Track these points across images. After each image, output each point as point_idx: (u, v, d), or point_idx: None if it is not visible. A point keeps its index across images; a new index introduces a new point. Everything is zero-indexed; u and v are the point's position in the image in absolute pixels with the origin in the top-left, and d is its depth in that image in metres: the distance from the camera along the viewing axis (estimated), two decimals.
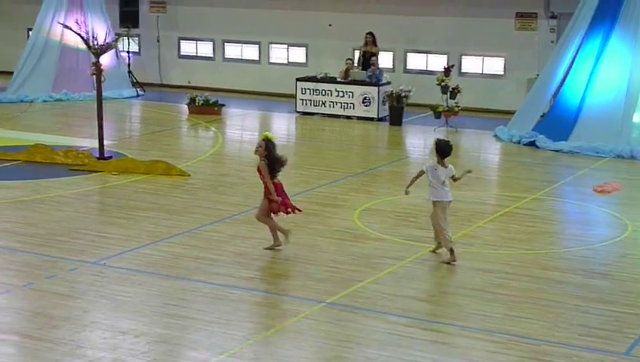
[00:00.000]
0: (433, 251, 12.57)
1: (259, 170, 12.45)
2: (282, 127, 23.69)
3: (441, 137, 13.23)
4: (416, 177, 12.58)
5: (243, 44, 27.80)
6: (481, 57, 24.99)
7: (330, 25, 26.43)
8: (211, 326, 9.91)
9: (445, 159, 12.43)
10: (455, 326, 10.02)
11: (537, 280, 11.59)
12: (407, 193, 12.69)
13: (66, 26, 19.62)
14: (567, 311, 10.56)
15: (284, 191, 12.58)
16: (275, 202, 12.35)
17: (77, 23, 19.20)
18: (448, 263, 12.09)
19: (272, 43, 27.40)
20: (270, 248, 12.54)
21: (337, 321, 10.14)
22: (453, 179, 12.55)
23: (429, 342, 9.59)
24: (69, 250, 12.40)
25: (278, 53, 27.40)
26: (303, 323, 10.04)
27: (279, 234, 12.55)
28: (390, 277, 11.59)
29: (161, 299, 10.74)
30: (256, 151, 12.47)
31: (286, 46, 27.25)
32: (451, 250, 12.17)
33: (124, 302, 10.57)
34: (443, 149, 12.42)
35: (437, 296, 10.97)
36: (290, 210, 12.55)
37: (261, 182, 12.45)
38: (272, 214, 12.56)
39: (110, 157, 17.83)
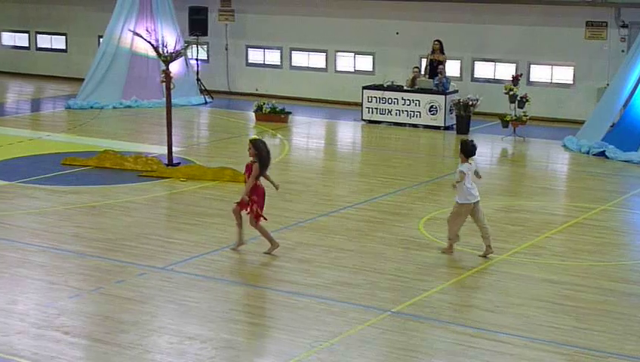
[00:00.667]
0: (484, 256, 12.65)
1: (248, 169, 12.62)
2: (348, 135, 23.71)
3: (467, 138, 13.37)
4: (459, 181, 12.64)
5: (310, 52, 27.90)
6: (550, 66, 24.71)
7: (397, 33, 26.39)
8: (277, 333, 9.96)
9: (470, 159, 12.73)
10: (522, 338, 9.91)
11: (606, 292, 11.42)
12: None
13: (137, 34, 19.88)
14: (636, 323, 10.38)
15: (264, 197, 12.74)
16: (245, 201, 12.55)
17: (147, 30, 19.45)
18: (444, 253, 12.72)
19: (338, 51, 27.44)
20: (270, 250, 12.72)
21: (403, 330, 10.11)
22: (477, 174, 12.81)
23: (496, 353, 9.50)
24: (138, 255, 12.57)
25: (345, 62, 27.44)
26: (368, 332, 10.03)
27: (240, 238, 12.84)
28: (457, 287, 11.52)
29: (228, 304, 10.83)
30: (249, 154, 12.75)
31: (353, 54, 27.27)
32: (452, 246, 12.74)
33: (192, 308, 10.67)
34: (470, 150, 12.68)
35: (504, 307, 10.87)
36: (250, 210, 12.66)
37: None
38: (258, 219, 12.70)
39: (178, 163, 18.03)
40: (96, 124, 23.31)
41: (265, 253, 12.68)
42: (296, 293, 11.20)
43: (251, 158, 12.71)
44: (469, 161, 12.76)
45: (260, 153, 12.65)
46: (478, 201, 12.64)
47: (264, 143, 12.84)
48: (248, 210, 12.66)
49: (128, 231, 13.69)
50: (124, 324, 10.13)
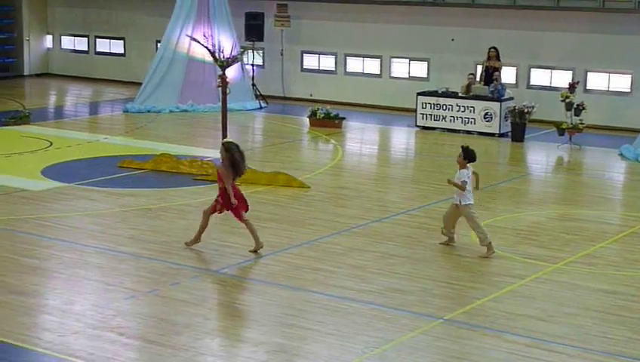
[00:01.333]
0: (446, 243, 13.45)
1: (218, 174, 12.92)
2: (402, 141, 23.69)
3: (466, 144, 13.87)
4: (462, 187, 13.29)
5: (365, 58, 27.92)
6: (608, 74, 24.44)
7: (452, 39, 26.31)
8: (329, 338, 9.99)
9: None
10: (576, 348, 9.84)
11: None
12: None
13: (194, 39, 20.08)
14: None
15: (241, 195, 13.06)
16: (232, 205, 12.85)
17: (204, 36, 19.64)
18: (487, 257, 12.93)
19: (393, 57, 27.43)
20: (191, 243, 13.06)
21: (455, 338, 10.09)
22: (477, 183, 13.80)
23: None
24: (193, 258, 12.71)
25: (400, 68, 27.41)
26: (420, 339, 10.02)
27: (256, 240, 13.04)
28: (510, 296, 11.46)
29: (280, 309, 10.90)
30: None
31: (407, 60, 27.24)
32: (490, 244, 13.04)
33: (244, 311, 10.77)
34: (472, 156, 13.37)
35: (558, 317, 10.79)
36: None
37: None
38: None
39: None
40: (153, 127, 23.59)
41: (186, 243, 13.03)
42: (348, 299, 11.23)
43: (223, 161, 12.95)
44: (468, 168, 13.28)
45: (232, 156, 12.81)
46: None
47: (237, 146, 12.98)
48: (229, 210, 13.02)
49: (183, 234, 13.82)
50: (178, 326, 10.25)
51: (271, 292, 11.46)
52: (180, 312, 10.68)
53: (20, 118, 23.30)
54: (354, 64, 28.12)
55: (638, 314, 10.89)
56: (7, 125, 22.93)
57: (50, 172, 18.01)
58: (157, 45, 28.94)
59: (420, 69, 27.02)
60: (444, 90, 24.04)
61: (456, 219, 13.41)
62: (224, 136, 18.04)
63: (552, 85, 24.88)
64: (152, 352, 9.57)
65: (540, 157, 21.39)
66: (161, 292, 11.35)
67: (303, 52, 28.89)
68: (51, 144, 20.89)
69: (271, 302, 11.12)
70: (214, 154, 19.27)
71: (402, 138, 23.85)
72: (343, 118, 24.15)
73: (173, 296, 11.24)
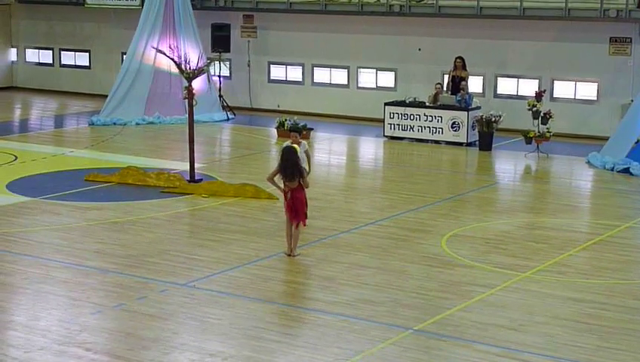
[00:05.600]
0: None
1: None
2: (370, 151, 23.68)
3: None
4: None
5: (332, 69, 27.92)
6: (574, 82, 24.59)
7: (419, 49, 26.37)
8: (298, 351, 9.91)
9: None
10: (546, 357, 9.82)
11: (631, 311, 11.30)
12: None
13: (160, 51, 19.95)
14: None
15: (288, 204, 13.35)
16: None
17: (170, 47, 19.53)
18: None
19: (360, 67, 27.45)
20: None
21: (425, 349, 10.04)
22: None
23: None
24: (160, 272, 12.57)
25: (367, 78, 27.43)
26: (390, 350, 9.96)
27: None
28: (480, 305, 11.43)
29: (250, 321, 10.80)
30: None
31: (375, 70, 27.27)
32: None
33: (213, 325, 10.65)
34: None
35: (528, 326, 10.77)
36: None
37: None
38: None
39: (200, 180, 18.05)
40: (119, 140, 23.40)
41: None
42: (318, 310, 11.15)
43: None
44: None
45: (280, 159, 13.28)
46: None
47: (285, 151, 13.29)
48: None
49: (150, 248, 13.70)
50: (146, 341, 10.12)
51: (240, 305, 11.35)
52: (148, 327, 10.55)
53: None
54: (321, 75, 28.11)
55: (606, 322, 10.91)
56: None
57: (15, 186, 17.80)
58: (122, 57, 28.76)
59: (387, 79, 27.07)
60: (411, 99, 24.07)
61: None
62: (191, 148, 17.93)
63: (519, 94, 25.00)
64: None
65: (508, 165, 21.46)
66: (128, 307, 11.21)
67: (270, 63, 28.84)
68: (16, 158, 20.66)
69: (240, 315, 11.01)
70: (181, 166, 19.20)
71: (370, 148, 23.85)
72: (311, 129, 24.09)
73: (141, 310, 11.10)
